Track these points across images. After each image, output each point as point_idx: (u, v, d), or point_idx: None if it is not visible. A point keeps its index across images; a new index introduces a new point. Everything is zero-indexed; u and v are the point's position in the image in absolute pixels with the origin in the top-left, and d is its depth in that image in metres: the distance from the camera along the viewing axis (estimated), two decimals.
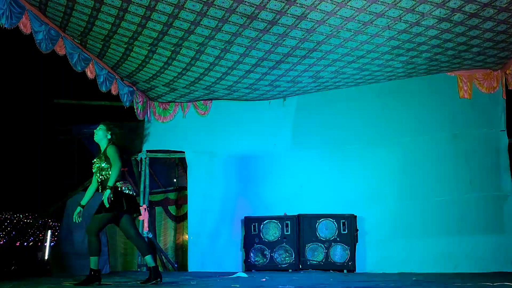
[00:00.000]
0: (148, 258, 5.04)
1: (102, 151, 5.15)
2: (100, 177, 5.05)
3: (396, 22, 6.24)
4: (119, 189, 5.02)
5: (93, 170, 5.14)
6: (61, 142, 12.28)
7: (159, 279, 5.01)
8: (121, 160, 5.00)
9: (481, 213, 7.93)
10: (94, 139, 5.26)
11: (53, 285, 5.07)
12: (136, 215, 5.41)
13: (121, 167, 4.97)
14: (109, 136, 5.17)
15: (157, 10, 5.96)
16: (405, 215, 8.19)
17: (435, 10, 5.94)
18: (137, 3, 5.82)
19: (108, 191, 4.82)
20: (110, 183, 4.87)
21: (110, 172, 4.96)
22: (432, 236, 8.00)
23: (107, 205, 4.81)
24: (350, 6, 5.85)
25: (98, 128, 5.23)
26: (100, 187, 5.09)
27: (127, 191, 5.13)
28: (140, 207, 9.22)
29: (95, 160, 5.15)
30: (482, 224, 7.90)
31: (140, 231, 9.19)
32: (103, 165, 5.04)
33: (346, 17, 6.12)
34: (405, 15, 6.06)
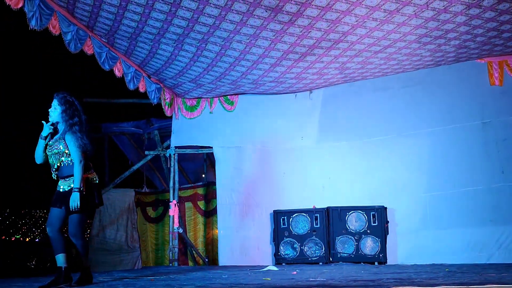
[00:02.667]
0: (60, 257, 4.40)
1: (60, 133, 4.50)
2: (58, 163, 4.44)
3: (423, 10, 6.13)
4: (90, 180, 4.49)
5: (48, 152, 4.49)
6: (91, 140, 12.49)
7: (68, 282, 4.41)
8: (84, 153, 4.43)
9: None
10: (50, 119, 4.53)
11: None
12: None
13: (83, 162, 4.37)
14: (66, 117, 4.46)
15: (182, 6, 6.00)
16: (436, 205, 8.08)
17: None
18: (162, 1, 5.87)
19: (77, 194, 4.27)
20: (77, 184, 4.29)
21: (71, 160, 4.39)
22: (464, 226, 7.86)
23: (75, 208, 4.26)
24: None
25: (53, 108, 4.52)
26: (56, 174, 4.47)
27: (94, 181, 4.56)
28: (170, 203, 9.37)
29: (51, 143, 4.49)
30: None
31: (170, 226, 9.33)
32: (62, 149, 4.42)
33: (372, 7, 6.04)
34: (432, 2, 5.94)
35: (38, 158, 4.54)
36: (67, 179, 4.43)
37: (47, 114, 4.58)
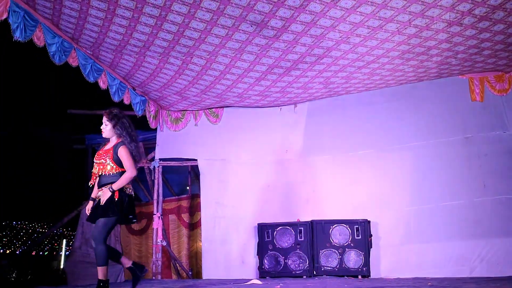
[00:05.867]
0: (100, 269, 4.55)
1: (112, 146, 4.74)
2: (101, 173, 4.67)
3: (406, 27, 6.24)
4: (124, 190, 4.64)
5: (95, 160, 4.75)
6: (75, 151, 12.47)
7: None
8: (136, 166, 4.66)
9: (495, 217, 7.84)
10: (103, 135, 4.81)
11: None
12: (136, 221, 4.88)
13: (135, 175, 4.62)
14: (117, 132, 4.73)
15: (167, 20, 6.03)
16: (418, 219, 8.14)
17: (444, 14, 5.94)
18: (148, 14, 5.90)
19: (108, 193, 4.51)
20: (115, 186, 4.54)
21: (114, 172, 4.61)
22: (446, 240, 7.93)
23: (102, 203, 4.49)
24: (360, 12, 5.87)
25: (103, 124, 4.80)
26: (97, 182, 4.69)
27: (130, 193, 4.70)
28: (154, 215, 9.32)
29: (101, 152, 4.76)
30: (497, 228, 7.80)
31: (154, 239, 9.27)
32: (108, 161, 4.65)
33: (356, 23, 6.14)
34: (414, 19, 6.06)
35: None
36: (103, 188, 4.61)
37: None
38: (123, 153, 4.61)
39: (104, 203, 4.52)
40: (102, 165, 4.65)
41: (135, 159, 4.67)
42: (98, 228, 4.53)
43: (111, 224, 4.60)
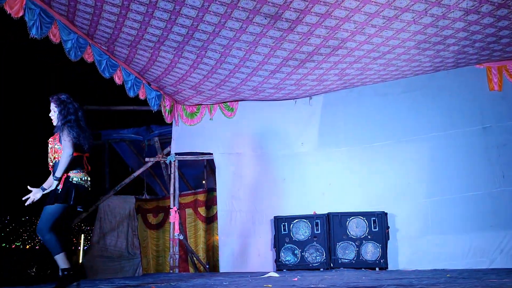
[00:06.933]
0: (58, 257, 4.31)
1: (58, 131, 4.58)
2: (54, 159, 4.50)
3: (422, 16, 6.16)
4: (70, 179, 4.41)
5: (49, 150, 4.58)
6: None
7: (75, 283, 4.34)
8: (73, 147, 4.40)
9: None
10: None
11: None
12: (82, 211, 4.59)
13: (71, 155, 4.36)
14: (61, 117, 4.54)
15: (182, 14, 6.03)
16: (436, 210, 8.07)
17: (461, 2, 5.84)
18: (162, 9, 5.91)
19: (55, 182, 4.33)
20: (58, 173, 4.32)
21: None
22: (465, 231, 7.86)
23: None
24: (375, 2, 5.81)
25: (52, 111, 4.62)
26: (52, 171, 4.50)
27: (77, 182, 4.46)
28: (171, 209, 9.37)
29: (51, 139, 4.58)
30: None
31: (171, 233, 9.33)
32: (56, 146, 4.48)
33: (371, 13, 6.07)
34: (430, 8, 5.98)
35: None
36: (51, 177, 4.47)
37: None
38: (64, 134, 4.41)
39: (50, 192, 4.38)
40: (53, 150, 4.49)
41: (77, 142, 4.45)
42: (43, 217, 4.31)
43: (60, 212, 4.33)
